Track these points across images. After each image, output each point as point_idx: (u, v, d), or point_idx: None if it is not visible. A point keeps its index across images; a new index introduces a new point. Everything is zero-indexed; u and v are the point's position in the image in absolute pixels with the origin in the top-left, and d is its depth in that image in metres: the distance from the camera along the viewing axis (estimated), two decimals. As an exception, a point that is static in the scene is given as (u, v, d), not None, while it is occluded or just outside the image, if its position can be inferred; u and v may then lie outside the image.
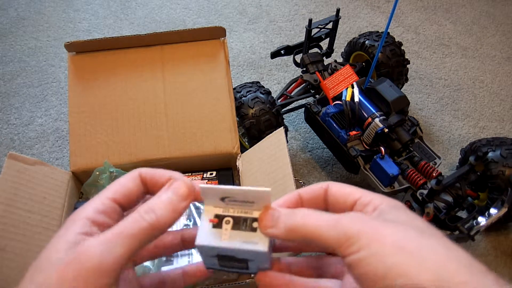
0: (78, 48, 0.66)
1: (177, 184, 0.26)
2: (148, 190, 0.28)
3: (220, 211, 0.27)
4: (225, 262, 0.27)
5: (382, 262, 0.20)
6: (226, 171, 0.68)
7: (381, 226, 0.22)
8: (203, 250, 0.27)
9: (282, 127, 0.62)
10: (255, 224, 0.26)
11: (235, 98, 0.70)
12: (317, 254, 0.28)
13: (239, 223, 0.26)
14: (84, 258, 0.22)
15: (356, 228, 0.22)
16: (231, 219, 0.26)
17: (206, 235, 0.26)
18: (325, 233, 0.23)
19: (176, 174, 0.28)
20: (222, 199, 0.26)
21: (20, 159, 0.54)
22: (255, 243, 0.25)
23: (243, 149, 0.66)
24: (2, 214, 0.50)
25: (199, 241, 0.26)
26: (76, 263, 0.22)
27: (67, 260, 0.22)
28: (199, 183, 0.27)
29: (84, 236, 0.23)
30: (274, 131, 0.60)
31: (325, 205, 0.27)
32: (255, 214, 0.26)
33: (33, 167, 0.56)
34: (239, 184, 0.64)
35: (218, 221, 0.26)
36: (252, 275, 0.28)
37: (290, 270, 0.28)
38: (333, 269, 0.27)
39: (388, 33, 0.84)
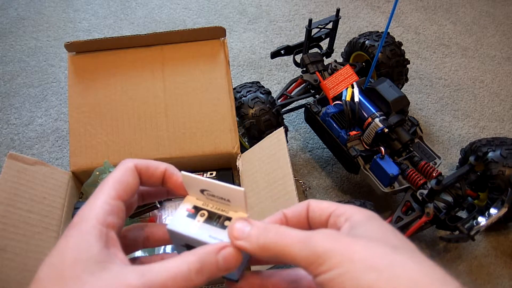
0: (78, 48, 0.66)
1: (230, 253, 0.24)
2: (141, 182, 0.28)
3: (199, 204, 0.27)
4: None
5: (353, 282, 0.20)
6: (226, 171, 0.68)
7: (351, 243, 0.22)
8: (173, 235, 0.27)
9: (282, 127, 0.62)
10: (226, 223, 0.26)
11: (235, 98, 0.70)
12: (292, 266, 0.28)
13: (212, 218, 0.27)
14: None
15: (327, 246, 0.22)
16: (206, 213, 0.27)
17: (178, 222, 0.27)
18: (297, 252, 0.23)
19: (171, 167, 0.29)
20: (202, 191, 0.27)
21: (20, 159, 0.55)
22: (220, 239, 0.25)
23: (243, 149, 0.66)
24: (2, 214, 0.50)
25: (170, 225, 0.26)
26: None
27: None
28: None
29: (110, 250, 0.23)
30: (274, 131, 0.60)
31: (308, 222, 0.27)
32: (230, 214, 0.27)
33: (33, 167, 0.56)
34: (239, 184, 0.64)
35: (194, 212, 0.27)
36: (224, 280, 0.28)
37: (264, 283, 0.27)
38: (308, 282, 0.27)
39: (388, 33, 0.84)
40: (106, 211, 0.24)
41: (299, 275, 0.27)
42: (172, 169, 0.29)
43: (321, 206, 0.26)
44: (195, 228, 0.26)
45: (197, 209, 0.27)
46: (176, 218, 0.27)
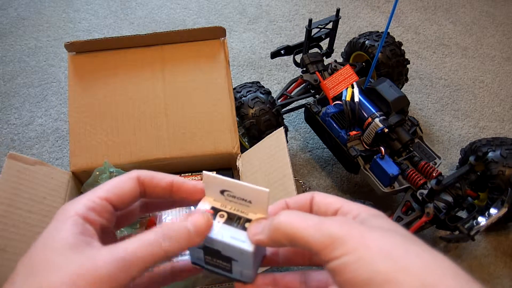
0: (78, 48, 0.66)
1: (197, 217, 0.25)
2: (145, 193, 0.28)
3: (217, 205, 0.27)
4: (210, 257, 0.27)
5: (368, 268, 0.20)
6: (226, 171, 0.68)
7: (367, 231, 0.22)
8: None
9: (282, 127, 0.62)
10: (247, 225, 0.26)
11: (235, 98, 0.70)
12: (303, 269, 0.28)
13: (233, 220, 0.26)
14: (99, 273, 0.21)
15: (342, 231, 0.22)
16: (225, 214, 0.27)
17: None
18: (310, 235, 0.22)
19: (178, 178, 0.28)
20: (222, 192, 0.26)
21: (20, 159, 0.55)
22: (242, 241, 0.25)
23: (243, 149, 0.66)
24: (3, 214, 0.50)
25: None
26: (90, 275, 0.21)
27: (79, 269, 0.21)
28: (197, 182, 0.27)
29: (84, 237, 0.23)
30: (274, 131, 0.60)
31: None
32: (250, 216, 0.26)
33: (33, 167, 0.56)
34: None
35: (213, 213, 0.27)
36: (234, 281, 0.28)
37: (275, 284, 0.28)
38: (317, 283, 0.27)
39: (388, 33, 0.84)
40: (87, 207, 0.24)
41: (310, 275, 0.27)
42: (180, 179, 0.28)
43: (326, 201, 0.26)
44: (216, 229, 0.26)
45: (215, 210, 0.27)
46: None
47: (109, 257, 0.22)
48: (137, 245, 0.23)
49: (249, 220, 0.26)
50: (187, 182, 0.28)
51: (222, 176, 0.26)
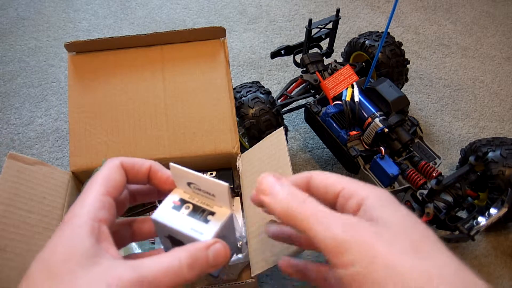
0: (78, 48, 0.66)
1: (219, 249, 0.25)
2: (128, 179, 0.28)
3: (185, 197, 0.28)
4: (177, 247, 0.28)
5: (375, 284, 0.20)
6: (226, 171, 0.68)
7: (373, 237, 0.21)
8: (157, 226, 0.28)
9: (282, 127, 0.62)
10: (209, 217, 0.27)
11: (235, 98, 0.70)
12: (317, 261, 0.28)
13: (197, 212, 0.27)
14: None
15: (346, 235, 0.22)
16: (191, 206, 0.27)
17: (163, 213, 0.27)
18: (319, 232, 0.22)
19: (156, 164, 0.29)
20: (189, 184, 0.27)
21: (20, 159, 0.54)
22: (200, 233, 0.26)
23: (243, 149, 0.66)
24: (2, 214, 0.50)
25: (154, 215, 0.27)
26: None
27: (99, 284, 0.21)
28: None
29: (101, 245, 0.23)
30: (274, 131, 0.60)
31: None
32: (215, 209, 0.27)
33: (33, 167, 0.56)
34: (239, 184, 0.64)
35: (179, 204, 0.27)
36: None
37: (300, 269, 0.28)
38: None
39: (388, 33, 0.84)
40: (97, 207, 0.25)
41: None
42: (157, 165, 0.29)
43: (325, 182, 0.26)
44: (179, 220, 0.26)
45: (183, 202, 0.28)
46: (161, 209, 0.27)
47: (129, 275, 0.22)
48: (158, 270, 0.23)
49: (212, 213, 0.27)
50: (162, 171, 0.29)
51: (186, 168, 0.26)
